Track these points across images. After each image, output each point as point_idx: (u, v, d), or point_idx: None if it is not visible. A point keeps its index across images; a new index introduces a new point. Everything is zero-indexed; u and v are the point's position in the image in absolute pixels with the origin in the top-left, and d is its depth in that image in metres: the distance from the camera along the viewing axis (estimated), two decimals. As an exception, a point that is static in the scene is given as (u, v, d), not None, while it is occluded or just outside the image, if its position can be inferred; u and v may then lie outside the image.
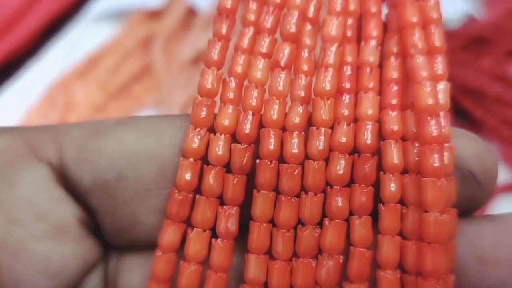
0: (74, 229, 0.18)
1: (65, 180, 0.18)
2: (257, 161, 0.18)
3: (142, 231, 0.18)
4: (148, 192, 0.18)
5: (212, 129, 0.18)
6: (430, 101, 0.17)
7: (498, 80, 0.45)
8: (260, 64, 0.18)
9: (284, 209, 0.17)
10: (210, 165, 0.18)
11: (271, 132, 0.18)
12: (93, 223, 0.19)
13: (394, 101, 0.18)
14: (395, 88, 0.18)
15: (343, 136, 0.18)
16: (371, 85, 0.18)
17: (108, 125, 0.18)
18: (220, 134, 0.18)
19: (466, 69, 0.45)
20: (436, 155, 0.17)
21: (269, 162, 0.17)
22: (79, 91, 0.47)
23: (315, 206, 0.17)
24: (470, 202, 0.18)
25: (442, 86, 0.18)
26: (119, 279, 0.19)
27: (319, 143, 0.18)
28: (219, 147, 0.18)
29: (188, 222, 0.18)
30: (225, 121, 0.18)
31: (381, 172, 0.18)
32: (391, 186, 0.17)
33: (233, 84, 0.18)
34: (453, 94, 0.46)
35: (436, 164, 0.17)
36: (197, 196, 0.18)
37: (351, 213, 0.18)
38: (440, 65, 0.18)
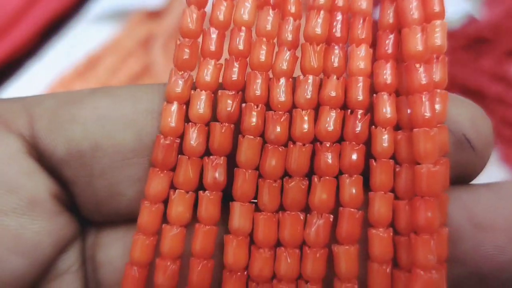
0: (47, 204, 0.17)
1: (38, 152, 0.17)
2: (243, 105, 0.17)
3: (121, 203, 0.17)
4: (126, 160, 0.17)
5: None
6: (419, 47, 0.16)
7: (498, 80, 0.44)
8: (247, 3, 0.17)
9: (271, 158, 0.17)
10: (191, 123, 0.17)
11: (258, 75, 0.17)
12: (69, 197, 0.18)
13: (389, 51, 0.17)
14: (390, 36, 0.17)
15: (332, 90, 0.17)
16: (363, 35, 0.17)
17: (83, 93, 0.18)
18: (201, 90, 0.17)
19: (466, 69, 0.45)
20: (426, 104, 0.16)
21: (255, 106, 0.17)
22: (79, 91, 0.47)
23: (302, 156, 0.17)
24: (466, 168, 0.17)
25: (438, 26, 0.17)
26: (97, 254, 0.18)
27: (306, 91, 0.17)
28: (200, 104, 0.17)
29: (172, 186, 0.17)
30: (206, 76, 0.17)
31: (373, 126, 0.17)
32: (384, 141, 0.17)
33: (214, 35, 0.17)
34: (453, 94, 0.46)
35: (427, 114, 0.16)
36: (179, 156, 0.17)
37: (341, 173, 0.17)
38: (437, 3, 0.17)
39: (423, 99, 0.16)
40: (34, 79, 0.48)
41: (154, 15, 0.51)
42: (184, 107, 0.17)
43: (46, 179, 0.17)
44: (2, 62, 0.48)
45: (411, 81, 0.16)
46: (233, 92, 0.17)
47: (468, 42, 0.46)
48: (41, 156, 0.17)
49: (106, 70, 0.48)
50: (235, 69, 0.17)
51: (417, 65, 0.16)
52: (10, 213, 0.16)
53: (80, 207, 0.18)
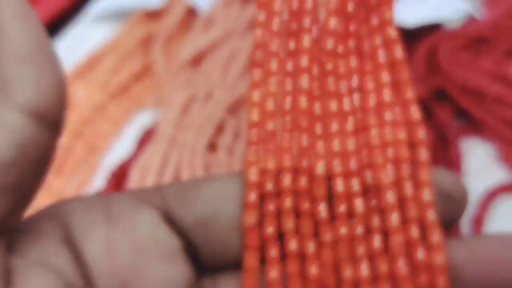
0: (180, 255, 0.21)
1: (170, 221, 0.22)
2: None
3: (234, 253, 0.22)
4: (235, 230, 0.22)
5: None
6: None
7: (498, 80, 0.44)
8: None
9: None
10: None
11: None
12: (192, 253, 0.22)
13: None
14: None
15: None
16: None
17: (198, 181, 0.23)
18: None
19: (466, 69, 0.45)
20: None
21: None
22: (79, 91, 0.47)
23: None
24: (450, 215, 0.21)
25: None
26: None
27: None
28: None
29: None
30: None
31: None
32: None
33: None
34: (453, 94, 0.46)
35: None
36: None
37: None
38: None
39: None
40: (34, 79, 0.48)
41: (154, 15, 0.51)
42: None
43: (177, 239, 0.22)
44: (2, 62, 0.48)
45: None
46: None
47: (468, 42, 0.46)
48: (173, 224, 0.22)
49: (106, 70, 0.48)
50: None
51: None
52: (157, 260, 0.21)
53: (200, 259, 0.22)
